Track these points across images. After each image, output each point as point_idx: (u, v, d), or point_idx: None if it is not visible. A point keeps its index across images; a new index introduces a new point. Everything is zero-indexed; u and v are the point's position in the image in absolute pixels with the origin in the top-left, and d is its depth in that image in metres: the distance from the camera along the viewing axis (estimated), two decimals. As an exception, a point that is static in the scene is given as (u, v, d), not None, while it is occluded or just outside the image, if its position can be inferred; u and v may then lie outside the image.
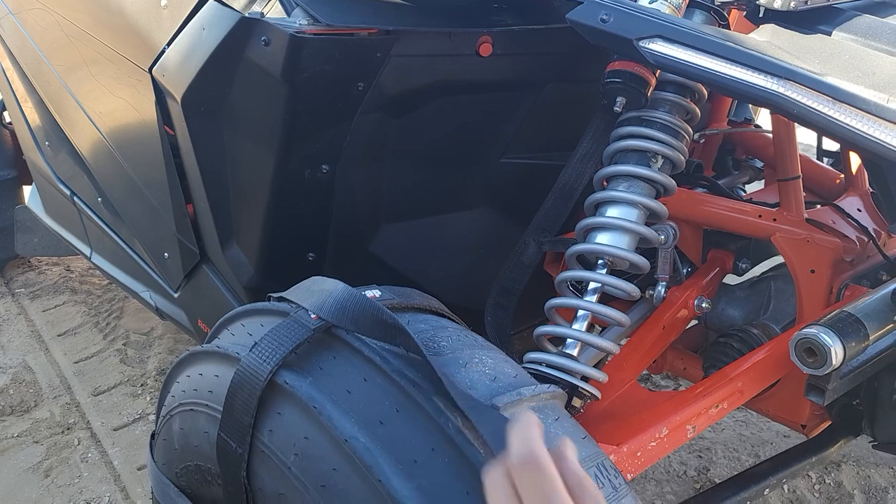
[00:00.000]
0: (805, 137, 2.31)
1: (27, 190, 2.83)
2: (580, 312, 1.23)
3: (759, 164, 1.98)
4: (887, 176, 1.14)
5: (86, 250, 2.33)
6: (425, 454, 0.81)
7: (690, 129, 1.28)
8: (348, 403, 0.87)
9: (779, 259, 1.57)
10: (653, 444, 1.20)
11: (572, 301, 1.25)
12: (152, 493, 1.21)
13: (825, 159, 1.95)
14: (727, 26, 1.23)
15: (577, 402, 1.21)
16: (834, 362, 1.09)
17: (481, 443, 0.81)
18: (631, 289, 1.23)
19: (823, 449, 1.50)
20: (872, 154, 0.99)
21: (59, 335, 2.76)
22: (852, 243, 1.45)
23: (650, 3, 1.13)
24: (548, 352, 1.24)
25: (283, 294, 1.04)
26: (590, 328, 1.26)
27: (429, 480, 0.80)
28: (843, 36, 1.13)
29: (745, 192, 1.96)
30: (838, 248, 1.40)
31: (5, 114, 2.81)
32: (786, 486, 2.06)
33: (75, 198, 2.28)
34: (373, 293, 1.00)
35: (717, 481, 2.06)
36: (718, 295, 1.62)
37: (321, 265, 1.53)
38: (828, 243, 1.40)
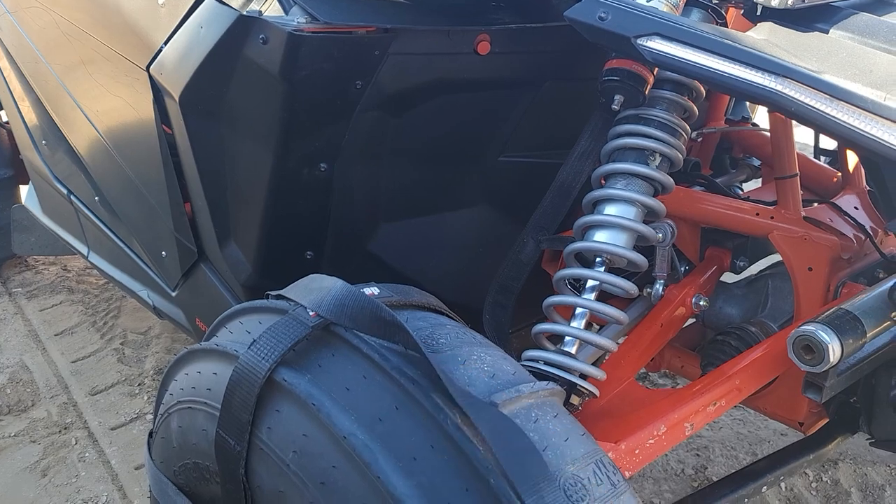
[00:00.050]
0: (802, 137, 2.31)
1: (24, 189, 2.83)
2: (578, 310, 1.23)
3: (757, 162, 1.98)
4: (884, 173, 1.15)
5: (83, 249, 2.33)
6: (424, 451, 0.81)
7: (688, 127, 1.28)
8: (347, 400, 0.87)
9: (776, 257, 1.57)
10: (651, 441, 1.20)
11: (570, 299, 1.25)
12: (150, 491, 1.21)
13: (822, 158, 1.95)
14: (725, 24, 1.23)
15: (575, 400, 1.21)
16: (831, 359, 1.09)
17: (480, 440, 0.81)
18: (629, 286, 1.23)
19: (821, 446, 1.51)
20: (870, 152, 0.99)
21: (56, 335, 2.76)
22: (850, 241, 1.45)
23: (648, 0, 1.13)
24: (546, 349, 1.24)
25: (281, 292, 1.03)
26: (588, 327, 1.26)
27: (428, 477, 0.80)
28: (841, 34, 1.13)
29: (742, 190, 1.97)
30: (836, 246, 1.40)
31: (2, 113, 2.81)
32: (783, 484, 2.06)
33: (72, 197, 2.27)
34: (371, 291, 1.00)
35: (715, 479, 2.06)
36: (716, 293, 1.62)
37: (319, 264, 1.53)
38: (825, 241, 1.40)
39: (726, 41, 1.06)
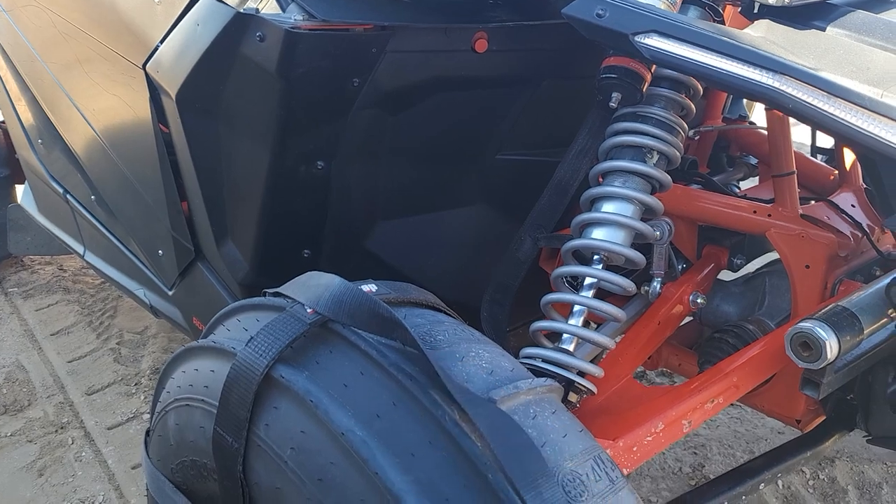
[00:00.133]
0: (799, 136, 2.32)
1: (20, 189, 2.82)
2: (576, 308, 1.23)
3: (754, 160, 1.98)
4: (881, 171, 1.15)
5: (79, 248, 2.32)
6: (422, 447, 0.81)
7: (686, 125, 1.28)
8: (345, 397, 0.86)
9: (773, 255, 1.58)
10: (649, 439, 1.20)
11: (568, 296, 1.25)
12: (147, 489, 1.21)
13: (819, 156, 1.95)
14: (722, 22, 1.23)
15: (573, 397, 1.21)
16: (829, 356, 1.09)
17: (478, 436, 0.81)
18: (626, 284, 1.23)
19: (818, 443, 1.51)
20: (867, 149, 0.99)
21: (52, 334, 2.75)
22: (846, 239, 1.45)
23: (645, -2, 1.13)
24: (544, 347, 1.24)
25: (278, 289, 1.03)
26: (585, 325, 1.26)
27: (426, 473, 0.80)
28: (838, 31, 1.13)
29: (739, 188, 1.97)
30: (833, 244, 1.40)
31: (-2, 112, 2.80)
32: (780, 482, 2.07)
33: (69, 196, 2.27)
34: (369, 288, 1.00)
35: (713, 478, 2.07)
36: (713, 291, 1.62)
37: (317, 262, 1.53)
38: (822, 239, 1.40)
39: (724, 38, 1.06)
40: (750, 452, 2.21)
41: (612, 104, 1.23)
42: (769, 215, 1.46)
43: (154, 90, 1.54)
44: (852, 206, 1.61)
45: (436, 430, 0.82)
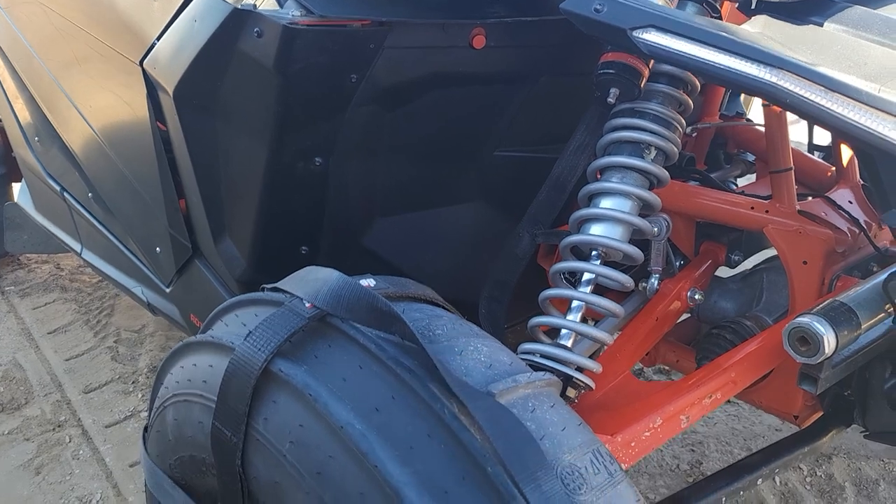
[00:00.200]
0: (796, 135, 2.32)
1: (16, 187, 2.82)
2: (574, 303, 1.23)
3: (751, 157, 1.99)
4: (879, 166, 1.15)
5: (76, 246, 2.32)
6: (421, 440, 0.81)
7: (683, 121, 1.28)
8: (344, 391, 0.86)
9: (771, 252, 1.58)
10: (647, 434, 1.20)
11: (567, 291, 1.25)
12: (146, 486, 1.20)
13: (816, 153, 1.96)
14: (720, 18, 1.23)
15: (571, 393, 1.21)
16: (826, 350, 1.09)
17: (477, 429, 0.81)
18: (624, 279, 1.23)
19: (815, 439, 1.51)
20: (864, 144, 0.99)
21: (49, 333, 2.74)
22: (844, 235, 1.45)
23: (643, -7, 1.13)
24: (542, 343, 1.24)
25: (277, 284, 1.03)
26: (583, 322, 1.26)
27: (425, 465, 0.79)
28: (835, 27, 1.13)
29: (736, 185, 1.97)
30: (830, 240, 1.40)
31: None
32: (777, 479, 2.07)
33: (66, 194, 2.26)
34: (368, 282, 1.00)
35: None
36: (711, 287, 1.62)
37: (314, 259, 1.52)
38: (820, 234, 1.40)
39: (722, 34, 1.06)
40: (747, 450, 2.22)
41: (609, 100, 1.23)
42: (767, 211, 1.46)
43: (151, 87, 1.54)
44: (849, 202, 1.61)
45: (435, 424, 0.82)
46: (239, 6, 1.25)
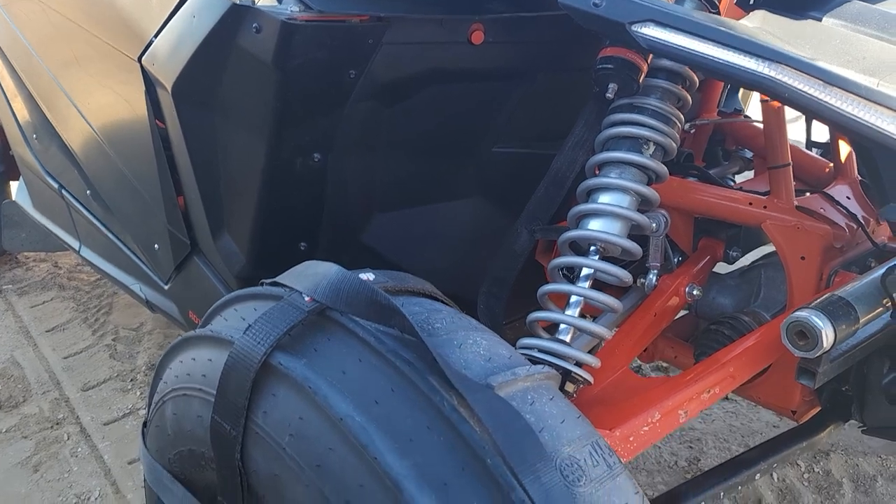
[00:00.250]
0: (794, 132, 2.33)
1: (14, 185, 2.82)
2: (573, 298, 1.23)
3: (749, 154, 1.99)
4: (877, 160, 1.15)
5: (75, 244, 2.32)
6: (421, 432, 0.81)
7: (682, 116, 1.28)
8: (343, 384, 0.86)
9: (769, 248, 1.58)
10: (645, 428, 1.20)
11: (565, 287, 1.25)
12: (145, 481, 1.20)
13: (814, 150, 1.96)
14: (718, 13, 1.23)
15: (569, 388, 1.21)
16: (825, 345, 1.09)
17: (476, 421, 0.81)
18: (623, 274, 1.23)
19: (813, 434, 1.51)
20: (862, 138, 1.00)
21: (47, 331, 2.74)
22: (842, 230, 1.46)
23: (642, -12, 1.13)
24: (541, 338, 1.24)
25: (276, 278, 1.03)
26: (582, 317, 1.26)
27: (424, 458, 0.80)
28: (833, 21, 1.14)
29: (734, 182, 1.97)
30: (828, 235, 1.41)
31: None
32: (775, 475, 2.07)
33: (64, 191, 2.26)
34: (367, 276, 1.00)
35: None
36: (709, 283, 1.62)
37: (313, 255, 1.52)
38: (818, 230, 1.41)
39: (721, 28, 1.06)
40: (745, 446, 2.22)
41: (608, 95, 1.23)
42: (765, 207, 1.47)
43: (150, 83, 1.54)
44: (847, 197, 1.62)
45: (434, 416, 0.82)
46: (237, 2, 1.25)
